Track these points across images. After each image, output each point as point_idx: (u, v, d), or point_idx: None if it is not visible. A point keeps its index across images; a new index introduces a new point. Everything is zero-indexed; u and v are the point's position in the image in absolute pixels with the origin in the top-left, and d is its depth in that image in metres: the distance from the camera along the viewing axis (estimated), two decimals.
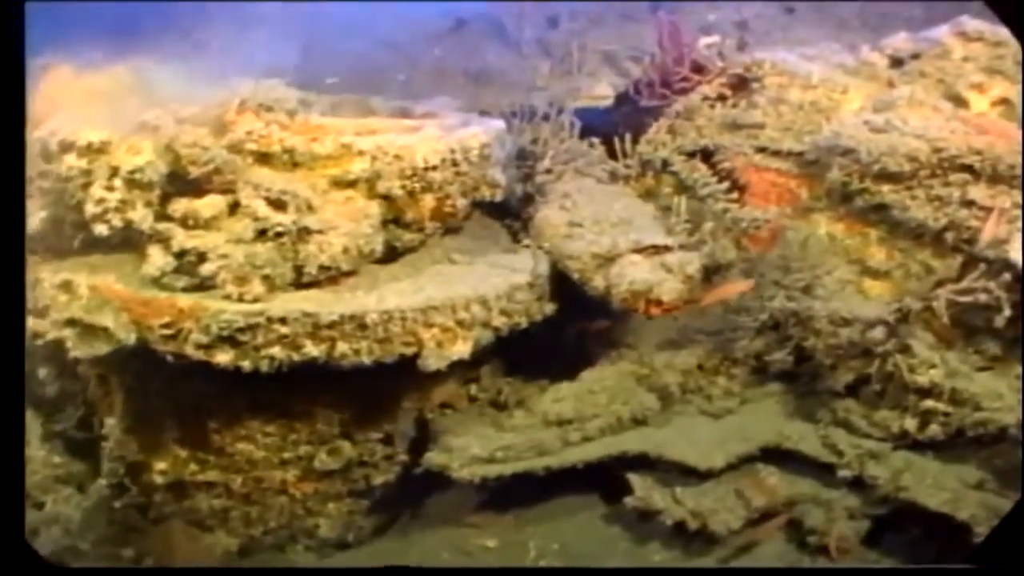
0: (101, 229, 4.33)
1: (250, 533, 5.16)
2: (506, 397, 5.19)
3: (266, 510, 5.15)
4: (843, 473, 4.93)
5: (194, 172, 4.36)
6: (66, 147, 4.32)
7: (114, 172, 4.28)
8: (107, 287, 4.39)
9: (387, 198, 4.60)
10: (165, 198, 4.40)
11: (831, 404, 5.09)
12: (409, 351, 4.47)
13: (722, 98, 5.63)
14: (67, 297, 4.37)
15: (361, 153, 4.51)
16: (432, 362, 4.42)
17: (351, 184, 4.54)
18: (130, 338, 4.29)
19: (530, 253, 5.09)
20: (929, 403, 4.86)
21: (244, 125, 4.41)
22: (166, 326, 4.30)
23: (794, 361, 5.12)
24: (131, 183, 4.26)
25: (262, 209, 4.26)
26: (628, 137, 5.58)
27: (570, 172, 5.39)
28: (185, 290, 4.38)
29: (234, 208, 4.33)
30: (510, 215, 5.42)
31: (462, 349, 4.51)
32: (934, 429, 4.90)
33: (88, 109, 4.75)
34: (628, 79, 5.81)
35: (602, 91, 5.87)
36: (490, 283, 4.69)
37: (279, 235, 4.31)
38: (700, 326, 5.40)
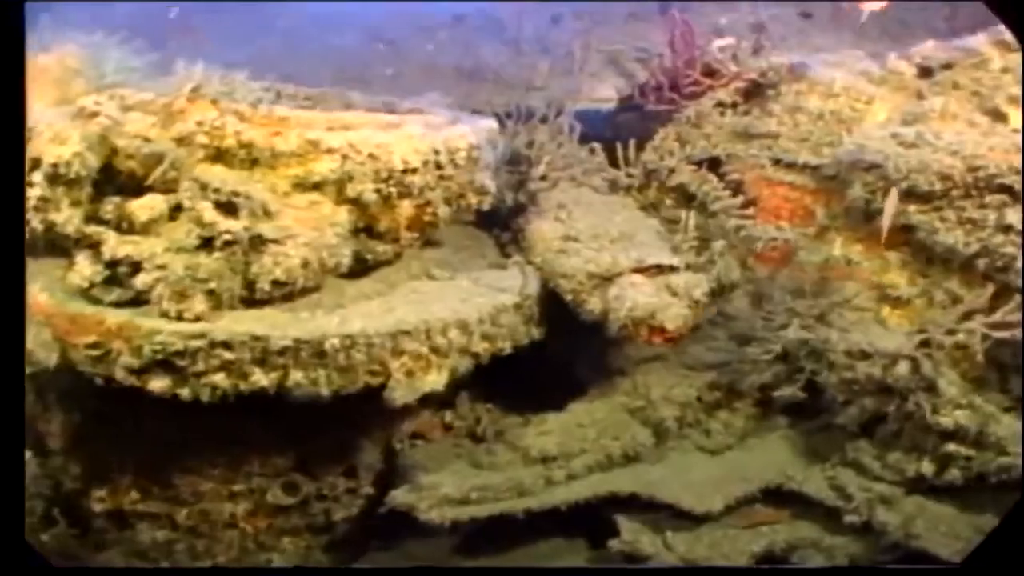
0: None
1: (197, 567, 4.11)
2: (484, 428, 4.14)
3: (214, 543, 4.14)
4: (850, 519, 3.99)
5: (130, 167, 3.27)
6: None
7: (34, 165, 3.25)
8: (33, 300, 3.42)
9: (358, 203, 3.58)
10: (97, 197, 3.31)
11: (840, 443, 4.15)
12: (375, 381, 3.50)
13: (735, 105, 4.56)
14: None
15: (330, 151, 3.51)
16: (399, 395, 3.46)
17: (316, 186, 3.53)
18: (50, 359, 3.34)
19: (518, 269, 4.04)
20: (952, 447, 3.92)
21: (195, 115, 3.35)
22: (93, 346, 3.28)
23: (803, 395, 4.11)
24: (54, 178, 3.23)
25: (208, 213, 3.26)
26: (632, 144, 4.51)
27: (567, 180, 4.33)
28: (116, 305, 3.40)
29: (176, 211, 3.27)
30: (498, 225, 4.37)
31: (436, 380, 3.53)
32: (953, 474, 3.97)
33: (35, 91, 3.69)
34: (633, 81, 4.72)
35: (605, 93, 4.81)
36: (472, 304, 3.71)
37: (228, 244, 3.28)
38: (700, 355, 4.33)
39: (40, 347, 3.28)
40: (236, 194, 3.29)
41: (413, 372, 3.48)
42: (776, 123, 4.53)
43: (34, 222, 3.30)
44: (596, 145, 4.57)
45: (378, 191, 3.59)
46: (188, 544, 4.07)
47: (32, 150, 3.28)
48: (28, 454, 3.77)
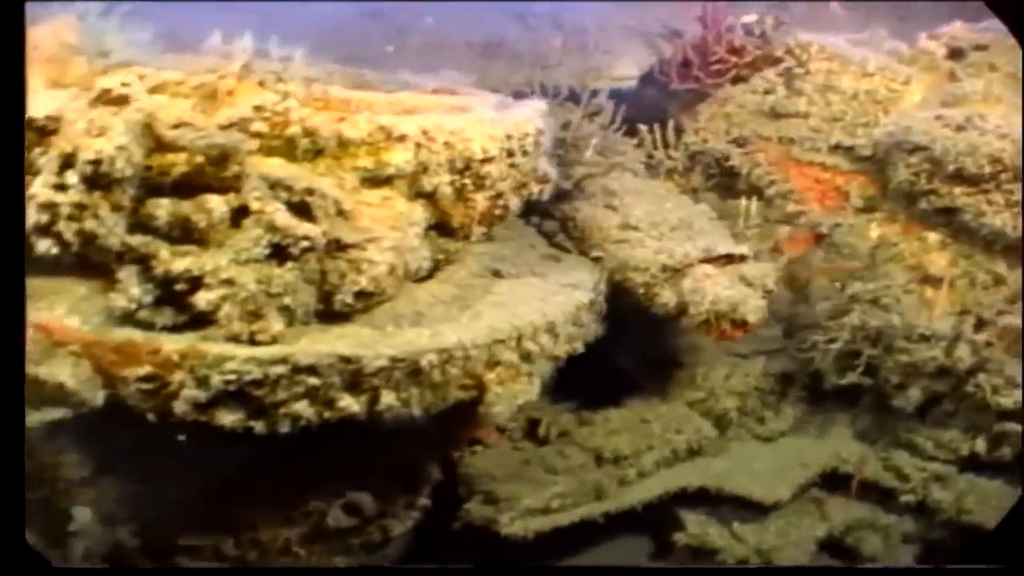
0: (46, 246, 2.46)
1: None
2: (547, 429, 3.52)
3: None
4: (906, 498, 3.75)
5: (176, 163, 2.48)
6: None
7: (67, 162, 2.38)
8: (60, 325, 2.57)
9: (431, 198, 2.84)
10: (138, 201, 2.50)
11: (890, 425, 3.88)
12: (466, 396, 2.84)
13: (768, 92, 4.04)
14: None
15: (403, 138, 2.75)
16: (500, 410, 2.84)
17: (387, 180, 2.75)
18: (96, 398, 2.54)
19: (576, 261, 3.45)
20: (1008, 425, 3.68)
21: (249, 97, 2.56)
22: (147, 379, 2.48)
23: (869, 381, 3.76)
24: (93, 179, 2.37)
25: (281, 216, 2.50)
26: (671, 125, 3.94)
27: (609, 164, 3.69)
28: (171, 329, 2.57)
29: (240, 214, 2.49)
30: (536, 212, 3.71)
31: (529, 389, 2.94)
32: (1005, 451, 3.75)
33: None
34: (659, 56, 4.12)
35: (624, 71, 4.19)
36: (554, 304, 3.11)
37: (305, 251, 2.49)
38: (744, 343, 3.86)
39: (82, 385, 2.47)
40: (310, 192, 2.54)
41: (504, 382, 2.83)
42: (806, 103, 4.04)
43: (67, 234, 2.45)
44: (643, 127, 3.97)
45: (453, 183, 2.90)
46: None
47: (60, 144, 2.42)
48: (86, 512, 2.92)
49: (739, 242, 3.53)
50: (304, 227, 2.53)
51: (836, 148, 4.02)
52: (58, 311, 2.63)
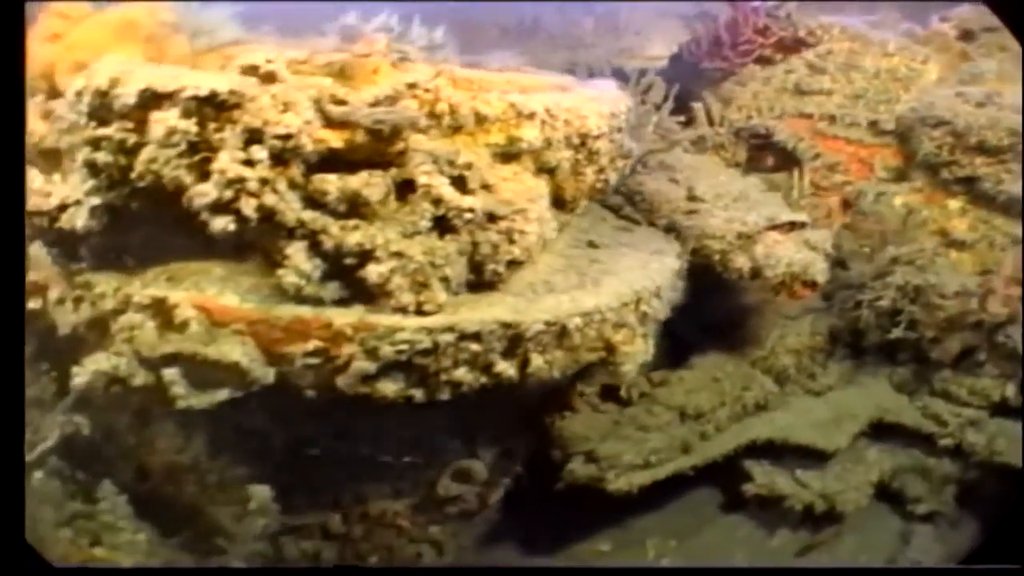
0: (222, 224, 2.50)
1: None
2: (627, 391, 3.68)
3: (364, 545, 3.51)
4: (945, 442, 4.06)
5: (337, 141, 2.55)
6: (158, 100, 2.39)
7: (254, 137, 2.39)
8: (219, 305, 2.61)
9: (552, 173, 2.98)
10: (305, 178, 2.56)
11: (928, 376, 4.16)
12: (593, 357, 3.01)
13: (789, 71, 4.31)
14: (161, 322, 2.47)
15: (531, 116, 2.87)
16: (629, 368, 3.02)
17: (516, 156, 2.87)
18: (268, 376, 2.59)
19: (648, 232, 3.64)
20: None
21: (397, 75, 2.64)
22: (314, 354, 2.52)
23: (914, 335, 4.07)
24: (279, 154, 2.40)
25: (447, 190, 2.57)
26: (714, 102, 4.17)
27: (672, 141, 3.89)
28: (336, 303, 2.65)
29: (403, 188, 2.57)
30: None
31: (646, 350, 3.11)
32: None
33: (124, 50, 2.81)
34: (694, 35, 4.32)
35: (656, 51, 4.38)
36: (654, 270, 3.29)
37: (466, 224, 2.60)
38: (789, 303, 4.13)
39: (255, 364, 2.49)
40: (469, 166, 2.64)
41: (627, 344, 3.00)
42: (830, 80, 4.33)
43: (246, 210, 2.45)
44: (697, 104, 4.18)
45: (569, 159, 3.04)
46: (338, 551, 3.38)
47: (245, 119, 2.42)
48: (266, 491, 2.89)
49: (793, 211, 3.80)
50: (467, 200, 2.63)
51: (859, 123, 4.32)
52: (209, 291, 2.64)
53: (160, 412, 3.29)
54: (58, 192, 2.70)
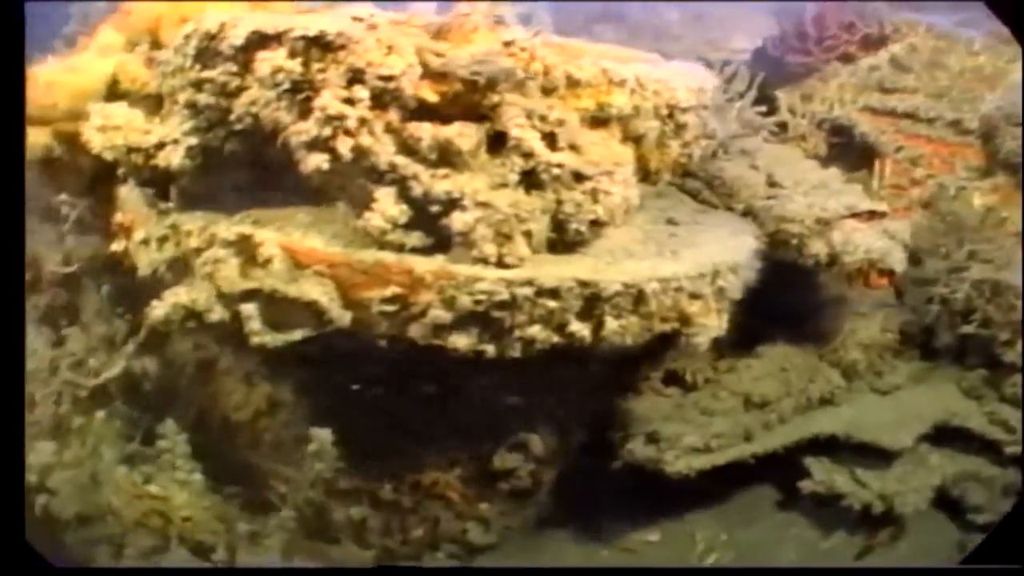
0: (317, 161, 2.53)
1: (385, 544, 3.50)
2: (692, 375, 3.62)
3: (411, 517, 3.50)
4: (1011, 450, 3.90)
5: (437, 91, 2.53)
6: (265, 42, 2.40)
7: (357, 77, 2.39)
8: (304, 247, 2.62)
9: (639, 142, 2.95)
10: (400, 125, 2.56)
11: (997, 381, 4.01)
12: (666, 327, 2.96)
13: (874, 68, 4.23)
14: (244, 260, 2.48)
15: (622, 83, 2.86)
16: (702, 340, 2.98)
17: (604, 122, 2.84)
18: (344, 318, 2.62)
19: (726, 215, 3.59)
20: None
21: (495, 35, 2.63)
22: (392, 300, 2.52)
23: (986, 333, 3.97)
24: (380, 95, 2.39)
25: (538, 144, 2.55)
26: (798, 94, 4.09)
27: (756, 127, 3.83)
28: (416, 251, 2.66)
29: (494, 141, 2.55)
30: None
31: (719, 325, 3.09)
32: None
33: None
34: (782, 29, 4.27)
35: (741, 44, 4.33)
36: (733, 248, 3.24)
37: (554, 180, 2.57)
38: (861, 299, 4.04)
39: (332, 304, 2.49)
40: (561, 123, 2.62)
41: (701, 316, 2.94)
42: (914, 79, 4.24)
43: (342, 148, 2.46)
44: (779, 93, 4.12)
45: (656, 129, 3.00)
46: (383, 520, 3.37)
47: (349, 60, 2.43)
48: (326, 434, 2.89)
49: (876, 202, 3.72)
50: (556, 156, 2.62)
51: (942, 121, 4.22)
52: (294, 234, 2.65)
53: (227, 358, 3.34)
54: (157, 131, 2.74)
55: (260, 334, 2.57)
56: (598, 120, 2.90)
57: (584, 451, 3.66)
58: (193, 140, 2.68)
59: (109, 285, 3.37)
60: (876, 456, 3.86)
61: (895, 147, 4.13)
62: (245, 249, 2.60)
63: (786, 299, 4.08)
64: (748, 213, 3.67)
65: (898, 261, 3.51)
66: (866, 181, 4.11)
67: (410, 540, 3.51)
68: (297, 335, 2.60)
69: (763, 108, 4.11)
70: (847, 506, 3.72)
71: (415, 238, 2.63)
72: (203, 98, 2.61)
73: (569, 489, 3.72)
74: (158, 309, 2.69)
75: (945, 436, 4.02)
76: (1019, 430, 3.94)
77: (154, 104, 2.88)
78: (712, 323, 3.04)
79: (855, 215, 3.64)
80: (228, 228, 2.66)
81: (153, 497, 2.76)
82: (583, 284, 2.67)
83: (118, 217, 2.95)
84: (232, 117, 2.62)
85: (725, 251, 3.17)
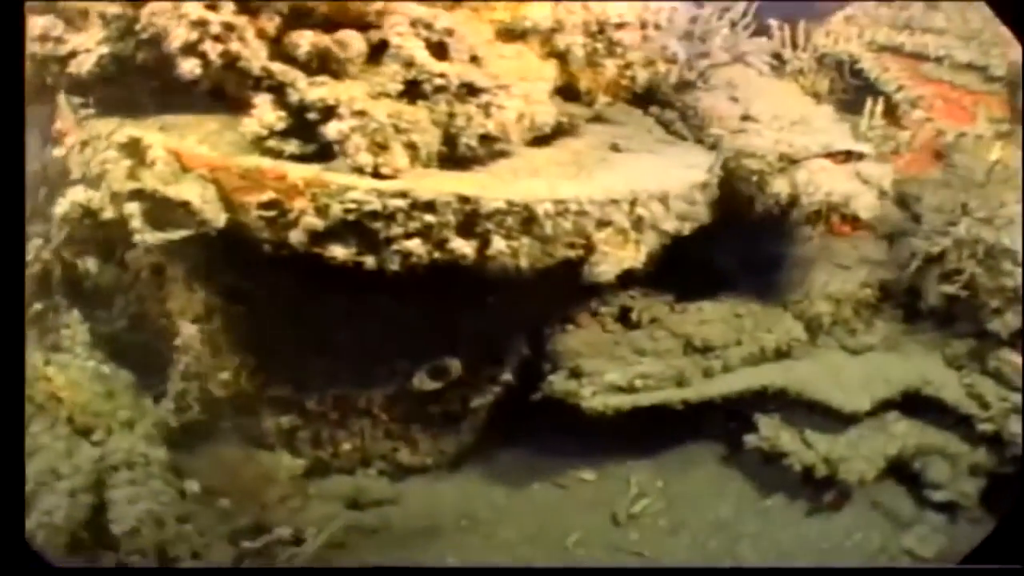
0: (190, 67, 2.56)
1: (318, 455, 3.55)
2: (638, 314, 3.46)
3: (341, 431, 3.52)
4: (983, 427, 3.54)
5: None
6: None
7: None
8: (189, 151, 2.67)
9: (563, 58, 2.78)
10: (282, 31, 2.49)
11: (980, 352, 3.65)
12: (573, 254, 2.87)
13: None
14: (133, 162, 2.54)
15: None
16: (603, 270, 2.86)
17: (522, 35, 2.68)
18: (219, 219, 2.64)
19: (692, 147, 3.36)
20: None
21: None
22: (268, 205, 2.52)
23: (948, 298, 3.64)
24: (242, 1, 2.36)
25: (420, 53, 2.43)
26: (802, 25, 3.74)
27: (735, 59, 3.54)
28: (298, 159, 2.64)
29: (378, 50, 2.45)
30: (655, 102, 3.60)
31: (634, 256, 2.96)
32: None
33: None
34: None
35: None
36: (670, 177, 3.08)
37: (437, 91, 2.45)
38: (847, 252, 3.74)
39: (207, 206, 2.52)
40: (450, 33, 2.50)
41: (613, 246, 2.79)
42: (944, 18, 3.80)
43: (211, 54, 2.46)
44: (773, 23, 3.79)
45: (585, 46, 2.82)
46: (313, 432, 3.44)
47: None
48: (192, 329, 2.98)
49: (860, 142, 3.39)
50: (441, 66, 2.52)
51: (968, 67, 3.79)
52: (188, 140, 2.67)
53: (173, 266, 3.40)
54: (73, 41, 2.79)
55: (142, 231, 2.63)
56: (514, 32, 2.76)
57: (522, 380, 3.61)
58: (105, 49, 2.74)
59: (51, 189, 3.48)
60: (836, 419, 3.63)
61: (896, 86, 3.74)
62: (135, 152, 2.66)
63: (766, 246, 3.84)
64: (716, 147, 3.44)
65: (865, 208, 3.19)
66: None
67: (340, 453, 3.55)
68: (176, 235, 2.64)
69: (762, 39, 3.81)
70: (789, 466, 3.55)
71: (294, 145, 2.60)
72: (111, 8, 2.65)
73: (506, 419, 3.71)
74: (60, 206, 2.79)
75: (919, 405, 3.74)
76: (994, 407, 3.58)
77: (80, 19, 2.93)
78: (627, 254, 2.88)
79: (829, 155, 3.35)
80: (121, 132, 2.71)
81: (47, 379, 2.90)
82: (463, 199, 2.59)
83: (56, 124, 3.05)
84: (138, 27, 2.64)
85: (659, 179, 2.98)
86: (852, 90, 3.88)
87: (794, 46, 3.93)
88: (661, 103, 3.68)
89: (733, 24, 3.72)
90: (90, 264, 3.30)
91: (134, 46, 2.70)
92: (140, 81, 2.79)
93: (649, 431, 3.62)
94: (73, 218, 2.75)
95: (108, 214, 2.69)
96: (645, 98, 3.70)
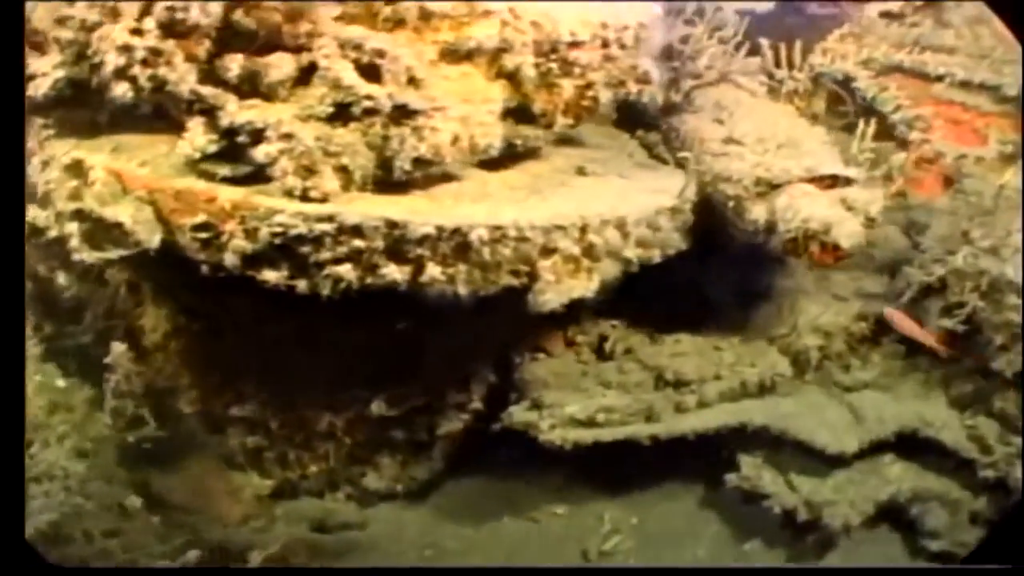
0: (122, 90, 2.55)
1: (286, 476, 3.50)
2: (613, 344, 3.32)
3: (307, 453, 3.46)
4: (985, 473, 3.30)
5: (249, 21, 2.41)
6: None
7: (146, 10, 2.40)
8: (131, 172, 2.68)
9: (514, 79, 2.71)
10: (215, 54, 2.44)
11: (985, 392, 3.38)
12: (517, 282, 2.75)
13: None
14: (76, 183, 2.57)
15: (487, 14, 2.60)
16: (547, 299, 2.73)
17: (469, 56, 2.62)
18: (152, 240, 2.63)
19: (671, 172, 3.21)
20: None
21: None
22: (201, 227, 2.56)
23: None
24: (170, 26, 2.34)
25: (348, 75, 2.41)
26: (797, 45, 3.55)
27: (725, 80, 3.37)
28: (231, 181, 2.62)
29: (308, 73, 2.40)
30: (642, 124, 3.47)
31: (586, 285, 2.83)
32: None
33: None
34: None
35: None
36: (631, 203, 2.95)
37: (367, 113, 2.39)
38: (845, 284, 3.52)
39: (141, 226, 2.53)
40: (381, 55, 2.44)
41: (561, 274, 2.66)
42: (954, 36, 3.56)
43: (141, 79, 2.47)
44: (765, 42, 3.60)
45: (538, 66, 2.73)
46: (279, 453, 3.40)
47: None
48: (121, 347, 2.99)
49: (851, 167, 3.18)
50: (370, 88, 2.45)
51: (980, 87, 3.53)
52: (133, 161, 2.67)
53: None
54: (33, 65, 2.82)
55: (79, 250, 2.65)
56: (459, 53, 2.67)
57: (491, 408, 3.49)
58: (60, 73, 2.75)
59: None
60: (823, 460, 3.40)
61: (893, 106, 3.49)
62: (79, 173, 2.68)
63: (760, 276, 3.63)
64: (696, 172, 3.27)
65: (847, 235, 2.95)
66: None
67: (308, 475, 3.48)
68: (112, 254, 2.63)
69: (755, 59, 3.62)
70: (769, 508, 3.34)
71: (230, 168, 2.56)
72: (65, 33, 2.67)
73: (480, 447, 3.57)
74: None
75: (918, 447, 3.48)
76: (997, 451, 3.29)
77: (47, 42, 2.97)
78: (576, 282, 2.75)
79: (814, 180, 3.14)
80: (66, 153, 2.73)
81: None
82: (391, 224, 2.50)
83: (29, 144, 3.10)
84: (89, 51, 2.66)
85: (615, 205, 2.84)
86: (855, 111, 3.66)
87: (790, 65, 3.72)
88: (647, 125, 3.59)
89: (723, 42, 3.57)
90: (61, 278, 3.36)
91: (88, 69, 2.70)
92: (97, 103, 2.81)
93: (625, 466, 3.49)
94: (28, 235, 2.80)
95: (54, 232, 2.73)
96: (633, 120, 3.64)
